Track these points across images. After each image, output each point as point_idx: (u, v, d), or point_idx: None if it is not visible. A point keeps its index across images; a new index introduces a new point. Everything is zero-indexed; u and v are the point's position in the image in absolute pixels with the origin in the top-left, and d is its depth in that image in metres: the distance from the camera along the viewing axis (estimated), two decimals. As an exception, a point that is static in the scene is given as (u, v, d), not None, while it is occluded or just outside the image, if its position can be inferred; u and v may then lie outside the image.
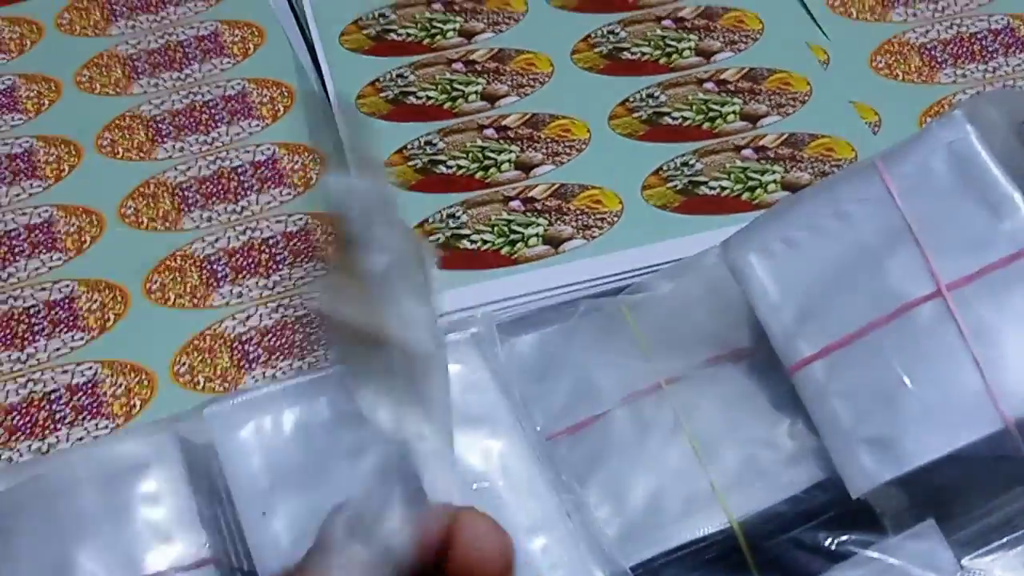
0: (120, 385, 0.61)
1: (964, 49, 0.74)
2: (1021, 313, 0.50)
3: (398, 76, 0.74)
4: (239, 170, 0.71)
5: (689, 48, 0.75)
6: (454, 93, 0.73)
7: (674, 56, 0.74)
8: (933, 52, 0.74)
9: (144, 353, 0.63)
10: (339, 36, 0.76)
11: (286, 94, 0.74)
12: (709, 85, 0.73)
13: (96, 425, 0.60)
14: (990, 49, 0.74)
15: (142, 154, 0.72)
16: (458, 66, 0.74)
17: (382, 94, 0.73)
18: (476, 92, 0.73)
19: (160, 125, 0.73)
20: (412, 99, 0.73)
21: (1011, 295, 0.50)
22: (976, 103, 0.55)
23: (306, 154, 0.71)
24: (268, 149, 0.71)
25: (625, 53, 0.75)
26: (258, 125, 0.73)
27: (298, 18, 0.78)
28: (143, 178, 0.70)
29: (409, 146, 0.70)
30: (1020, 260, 0.50)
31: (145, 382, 0.62)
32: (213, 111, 0.74)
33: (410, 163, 0.70)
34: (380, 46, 0.76)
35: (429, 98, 0.73)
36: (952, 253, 0.51)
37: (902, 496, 0.50)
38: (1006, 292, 0.50)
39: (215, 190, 0.70)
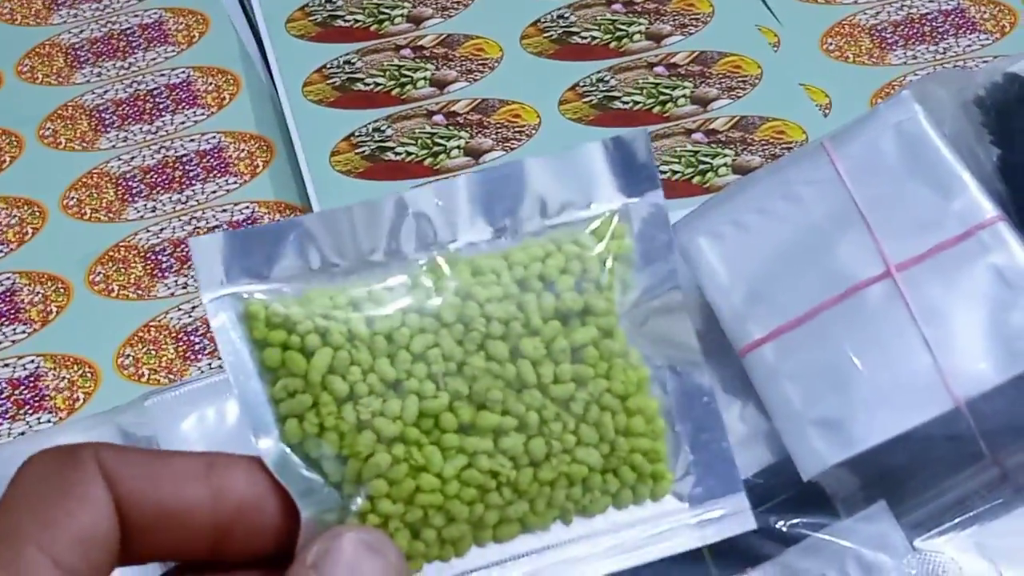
0: (63, 378, 0.60)
1: (915, 30, 0.74)
2: (970, 293, 0.49)
3: (345, 62, 0.73)
4: (184, 159, 0.69)
5: (639, 32, 0.74)
6: (402, 79, 0.72)
7: (624, 40, 0.74)
8: (883, 34, 0.73)
9: (88, 346, 0.62)
10: (285, 23, 0.75)
11: (232, 82, 0.73)
12: (659, 69, 0.72)
13: (39, 419, 0.59)
14: (940, 30, 0.74)
15: (85, 144, 0.71)
16: (406, 52, 0.74)
17: (329, 81, 0.72)
18: (425, 78, 0.72)
19: (103, 115, 0.72)
20: (360, 86, 0.72)
21: (960, 275, 0.50)
22: (924, 83, 0.54)
23: (252, 142, 0.70)
24: (214, 138, 0.70)
25: (575, 37, 0.74)
26: (203, 113, 0.72)
27: (244, 5, 0.77)
28: (86, 168, 0.69)
29: (357, 133, 0.69)
30: (969, 240, 0.50)
31: (89, 375, 0.60)
32: (157, 100, 0.72)
33: (358, 151, 0.69)
34: (327, 32, 0.75)
35: (377, 84, 0.72)
36: (901, 233, 0.51)
37: (854, 478, 0.50)
38: (955, 272, 0.50)
39: (160, 180, 0.69)
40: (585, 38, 0.74)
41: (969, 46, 0.73)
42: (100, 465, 0.30)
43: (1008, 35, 0.73)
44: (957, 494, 0.50)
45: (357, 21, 0.76)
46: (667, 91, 0.71)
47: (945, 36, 0.73)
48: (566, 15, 0.75)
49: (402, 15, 0.76)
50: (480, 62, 0.73)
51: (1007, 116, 0.55)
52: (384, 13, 0.76)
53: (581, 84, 0.71)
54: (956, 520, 0.49)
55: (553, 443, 0.32)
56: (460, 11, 0.76)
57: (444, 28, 0.75)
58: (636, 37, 0.74)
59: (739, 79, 0.71)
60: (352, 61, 0.73)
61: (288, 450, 0.31)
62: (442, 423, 0.32)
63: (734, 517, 0.34)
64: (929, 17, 0.74)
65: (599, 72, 0.72)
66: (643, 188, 0.34)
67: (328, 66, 0.73)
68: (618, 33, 0.74)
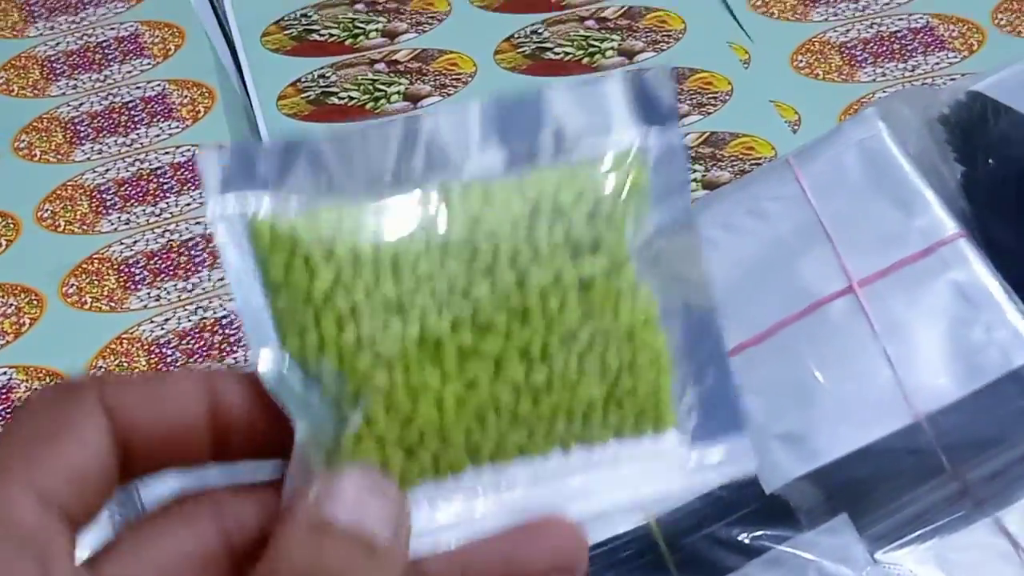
0: (35, 390, 0.61)
1: (884, 48, 0.75)
2: (931, 308, 0.50)
3: (320, 76, 0.74)
4: (159, 172, 0.70)
5: (612, 48, 0.75)
6: (376, 93, 0.73)
7: (597, 56, 0.74)
8: (853, 51, 0.74)
9: (61, 358, 0.62)
10: (260, 36, 0.76)
11: (207, 95, 0.74)
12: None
13: (10, 431, 0.59)
14: (909, 48, 0.74)
15: (60, 156, 0.71)
16: (380, 66, 0.74)
17: (303, 95, 0.73)
18: (399, 92, 0.73)
19: (79, 127, 0.72)
20: (334, 99, 0.73)
21: (921, 291, 0.50)
22: (889, 102, 0.55)
23: (226, 155, 0.70)
24: (188, 150, 0.71)
25: (548, 53, 0.75)
26: (178, 126, 0.72)
27: (219, 19, 0.78)
28: (60, 181, 0.70)
29: (331, 147, 0.70)
30: (930, 256, 0.51)
31: (61, 387, 0.61)
32: (132, 112, 0.73)
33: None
34: (302, 46, 0.75)
35: (351, 98, 0.73)
36: (864, 249, 0.51)
37: (816, 491, 0.51)
38: (916, 288, 0.50)
39: (134, 192, 0.69)
40: (559, 54, 0.75)
41: (938, 64, 0.73)
42: (102, 397, 0.30)
43: (976, 53, 0.74)
44: (918, 507, 0.50)
45: (332, 35, 0.76)
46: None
47: (914, 54, 0.74)
48: (540, 31, 0.76)
49: (377, 29, 0.76)
50: (454, 77, 0.74)
51: (970, 134, 0.56)
52: (359, 28, 0.77)
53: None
54: (916, 533, 0.50)
55: (555, 374, 0.32)
56: (435, 26, 0.77)
57: (419, 43, 0.76)
58: (609, 53, 0.75)
59: (709, 95, 0.72)
60: (327, 75, 0.74)
61: (287, 366, 0.31)
62: (444, 347, 0.31)
63: (734, 459, 0.33)
64: (899, 35, 0.75)
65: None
66: (663, 124, 0.33)
67: (303, 80, 0.74)
68: (591, 49, 0.75)
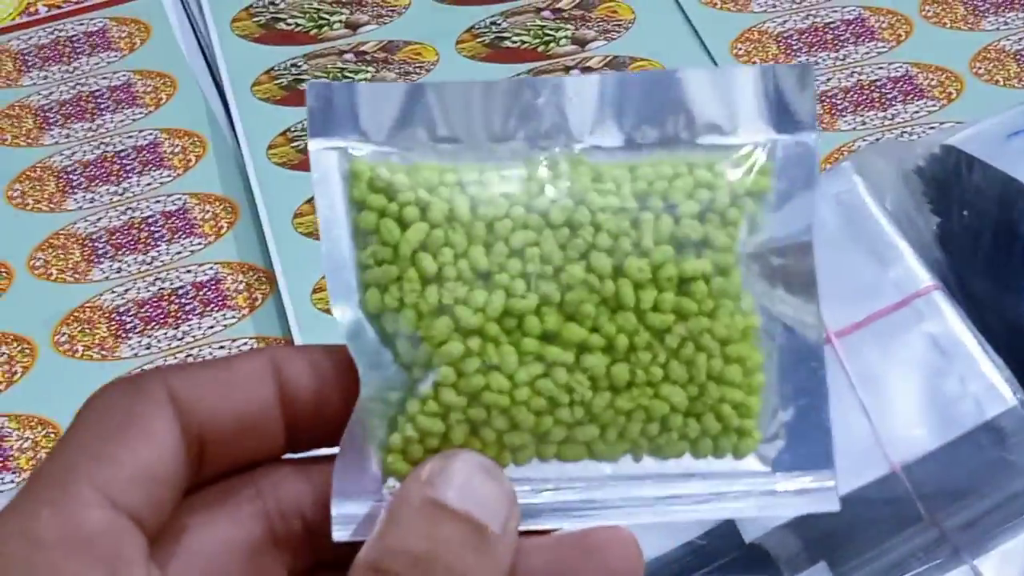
0: (27, 439, 0.61)
1: (863, 97, 0.76)
2: (906, 360, 0.51)
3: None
4: (150, 220, 0.71)
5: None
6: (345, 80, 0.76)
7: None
8: (833, 100, 0.76)
9: (52, 406, 0.63)
10: (251, 86, 0.77)
11: (198, 144, 0.75)
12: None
13: (2, 480, 0.60)
14: (889, 96, 0.76)
15: (52, 205, 0.72)
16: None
17: (293, 144, 0.74)
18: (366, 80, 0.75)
19: (71, 176, 0.73)
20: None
21: (896, 342, 0.51)
22: (865, 154, 0.57)
23: (217, 203, 0.72)
24: (179, 199, 0.72)
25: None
26: (169, 175, 0.73)
27: (211, 68, 0.79)
28: (53, 229, 0.70)
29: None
30: (905, 308, 0.52)
31: (52, 436, 0.61)
32: (124, 161, 0.74)
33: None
34: (291, 95, 0.77)
35: None
36: (840, 301, 0.52)
37: (795, 540, 0.51)
38: (891, 339, 0.51)
39: (125, 241, 0.70)
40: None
41: (916, 112, 0.75)
42: (170, 392, 0.29)
43: (955, 101, 0.75)
44: (896, 555, 0.51)
45: (317, 76, 0.77)
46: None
47: (893, 103, 0.75)
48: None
49: (365, 79, 0.78)
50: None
51: (945, 187, 0.57)
52: (348, 77, 0.78)
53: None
54: (894, 581, 0.51)
55: (638, 372, 0.30)
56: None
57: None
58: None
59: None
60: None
61: (364, 319, 0.30)
62: (525, 326, 0.30)
63: (817, 494, 0.31)
64: (878, 84, 0.76)
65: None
66: (797, 126, 0.31)
67: (292, 129, 0.75)
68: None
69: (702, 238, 0.31)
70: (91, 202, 0.72)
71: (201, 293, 0.67)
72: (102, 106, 0.77)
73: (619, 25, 0.79)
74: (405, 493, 0.29)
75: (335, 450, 0.30)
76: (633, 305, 0.30)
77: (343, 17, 0.80)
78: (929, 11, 0.79)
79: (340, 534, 0.30)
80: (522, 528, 0.30)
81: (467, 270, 0.30)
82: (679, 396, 0.31)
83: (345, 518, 0.30)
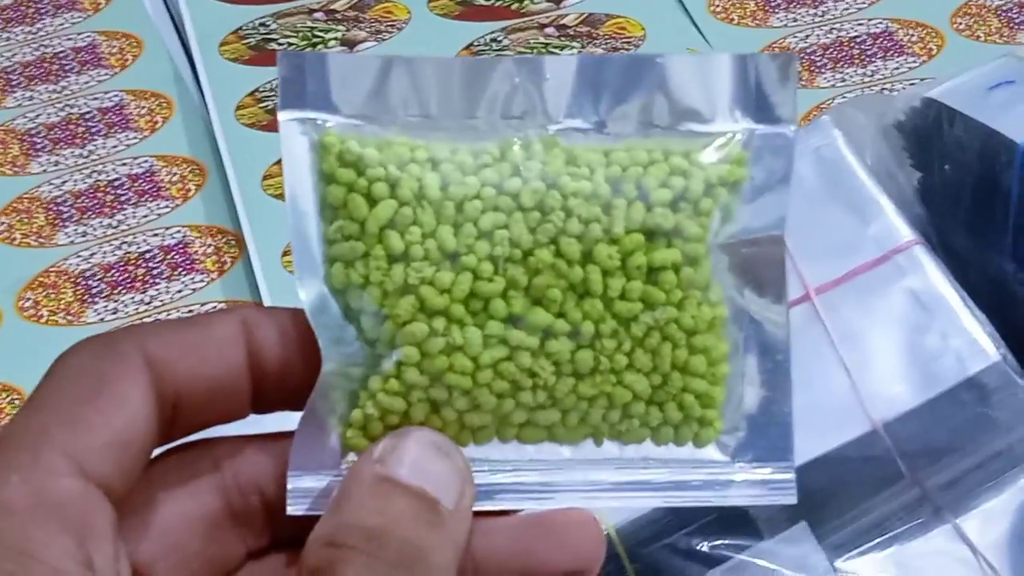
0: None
1: (843, 53, 0.75)
2: (886, 316, 0.50)
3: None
4: (116, 183, 0.69)
5: (572, 54, 0.75)
6: (314, 39, 0.74)
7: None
8: (813, 56, 0.74)
9: (17, 373, 0.61)
10: (219, 46, 0.75)
11: (165, 105, 0.73)
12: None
13: (-34, 447, 0.59)
14: (869, 53, 0.75)
15: (16, 169, 0.70)
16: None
17: (262, 104, 0.72)
18: (336, 39, 0.73)
19: (35, 139, 0.72)
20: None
21: (876, 298, 0.50)
22: (844, 109, 0.55)
23: (184, 166, 0.70)
24: (146, 162, 0.70)
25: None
26: (135, 137, 0.72)
27: (177, 28, 0.77)
28: (17, 193, 0.69)
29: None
30: (885, 263, 0.51)
31: (17, 402, 0.60)
32: (89, 124, 0.72)
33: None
34: (260, 56, 0.75)
35: (291, 44, 0.74)
36: (820, 257, 0.51)
37: (775, 500, 0.51)
38: (871, 295, 0.50)
39: (91, 204, 0.68)
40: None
41: (897, 68, 0.74)
42: (145, 356, 0.28)
43: (935, 57, 0.74)
44: (877, 515, 0.50)
45: (291, 44, 0.76)
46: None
47: (873, 59, 0.74)
48: (500, 39, 0.76)
49: (336, 38, 0.76)
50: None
51: (926, 140, 0.56)
52: (318, 36, 0.76)
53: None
54: (876, 540, 0.50)
55: (602, 359, 0.30)
56: (394, 34, 0.76)
57: (381, 51, 0.75)
58: None
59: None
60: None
61: (328, 294, 0.30)
62: (491, 309, 0.30)
63: (775, 485, 0.31)
64: (858, 40, 0.75)
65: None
66: (776, 118, 0.30)
67: (261, 89, 0.73)
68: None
69: (673, 227, 0.30)
70: (56, 165, 0.70)
71: (169, 257, 0.66)
72: (67, 68, 0.75)
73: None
74: (357, 470, 0.29)
75: (295, 425, 0.30)
76: (601, 292, 0.30)
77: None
78: (909, -35, 0.78)
79: (295, 508, 0.30)
80: (479, 508, 0.30)
81: (435, 250, 0.30)
82: (642, 384, 0.31)
83: (301, 492, 0.30)
